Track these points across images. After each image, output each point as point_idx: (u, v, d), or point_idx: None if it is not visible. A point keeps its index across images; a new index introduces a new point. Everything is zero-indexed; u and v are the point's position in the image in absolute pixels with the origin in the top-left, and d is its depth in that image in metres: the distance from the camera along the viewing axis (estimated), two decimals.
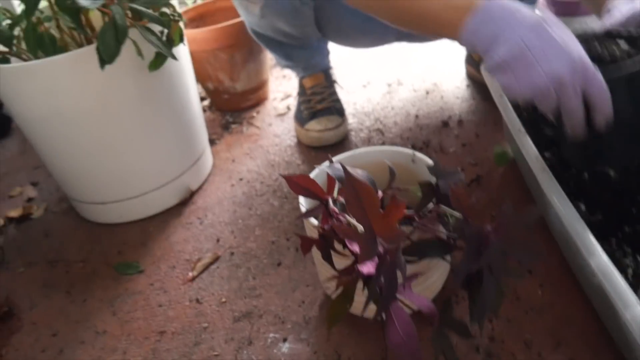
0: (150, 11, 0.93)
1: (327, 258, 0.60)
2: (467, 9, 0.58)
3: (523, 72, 0.57)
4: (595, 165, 0.76)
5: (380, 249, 0.50)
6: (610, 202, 0.83)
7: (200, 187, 1.24)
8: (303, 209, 0.72)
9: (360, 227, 0.51)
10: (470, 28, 0.58)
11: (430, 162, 0.76)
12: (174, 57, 0.99)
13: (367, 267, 0.50)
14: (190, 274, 0.98)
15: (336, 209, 0.57)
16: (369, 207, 0.48)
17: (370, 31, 1.16)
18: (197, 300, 0.92)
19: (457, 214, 0.57)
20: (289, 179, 0.59)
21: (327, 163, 0.64)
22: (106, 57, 0.87)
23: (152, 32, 0.93)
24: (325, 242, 0.59)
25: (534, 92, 0.58)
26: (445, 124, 1.26)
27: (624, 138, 0.66)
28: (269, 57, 1.53)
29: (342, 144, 1.28)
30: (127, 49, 0.91)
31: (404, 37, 1.22)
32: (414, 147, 1.17)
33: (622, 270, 0.71)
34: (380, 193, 0.63)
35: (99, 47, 0.87)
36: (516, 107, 0.98)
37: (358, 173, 0.56)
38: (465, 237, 0.54)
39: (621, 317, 0.58)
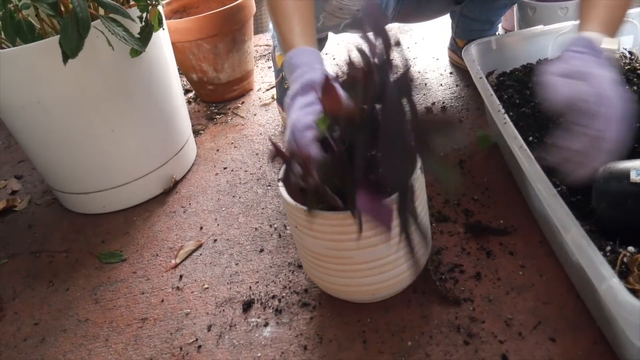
0: (112, 1, 0.91)
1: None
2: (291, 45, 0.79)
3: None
4: None
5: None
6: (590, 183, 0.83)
7: (184, 177, 1.23)
8: (285, 196, 0.71)
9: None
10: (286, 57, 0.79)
11: None
12: (141, 49, 0.97)
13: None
14: (173, 262, 0.98)
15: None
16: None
17: None
18: (179, 287, 0.92)
19: None
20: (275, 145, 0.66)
21: None
22: (69, 52, 0.85)
23: (118, 24, 0.92)
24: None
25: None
26: (428, 110, 1.26)
27: None
28: (253, 47, 1.52)
29: None
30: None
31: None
32: None
33: (600, 247, 0.71)
34: None
35: (60, 42, 0.85)
36: (497, 89, 0.98)
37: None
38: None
39: (597, 290, 0.58)
